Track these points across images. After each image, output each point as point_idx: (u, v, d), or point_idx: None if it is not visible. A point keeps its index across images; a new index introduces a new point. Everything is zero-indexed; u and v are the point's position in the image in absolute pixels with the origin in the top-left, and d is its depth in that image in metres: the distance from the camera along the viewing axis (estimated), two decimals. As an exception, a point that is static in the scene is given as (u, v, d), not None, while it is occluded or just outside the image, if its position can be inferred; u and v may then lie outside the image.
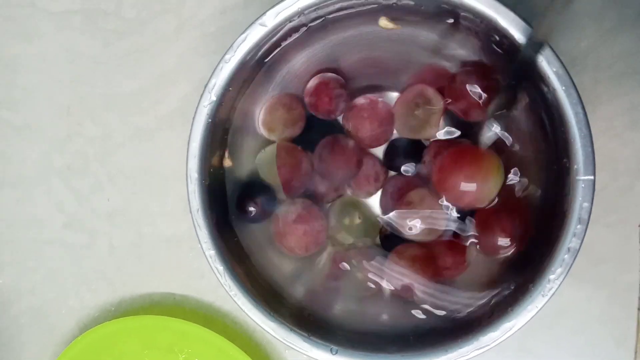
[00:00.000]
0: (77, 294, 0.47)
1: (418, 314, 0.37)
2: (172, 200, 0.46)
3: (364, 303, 0.39)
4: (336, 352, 0.34)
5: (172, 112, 0.45)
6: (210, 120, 0.34)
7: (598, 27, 0.41)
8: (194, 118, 0.34)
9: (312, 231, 0.39)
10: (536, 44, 0.31)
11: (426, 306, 0.37)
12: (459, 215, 0.38)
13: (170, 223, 0.46)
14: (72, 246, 0.47)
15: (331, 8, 0.34)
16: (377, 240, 0.41)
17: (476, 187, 0.36)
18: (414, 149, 0.40)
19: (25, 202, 0.47)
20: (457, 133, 0.39)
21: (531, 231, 0.36)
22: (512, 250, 0.36)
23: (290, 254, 0.39)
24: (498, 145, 0.37)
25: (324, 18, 0.35)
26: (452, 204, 0.37)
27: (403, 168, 0.40)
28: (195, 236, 0.35)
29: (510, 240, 0.36)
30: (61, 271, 0.47)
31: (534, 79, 0.33)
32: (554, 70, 0.31)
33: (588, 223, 0.32)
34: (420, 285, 0.37)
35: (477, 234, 0.38)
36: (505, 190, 0.36)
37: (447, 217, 0.37)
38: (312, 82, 0.39)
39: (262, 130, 0.39)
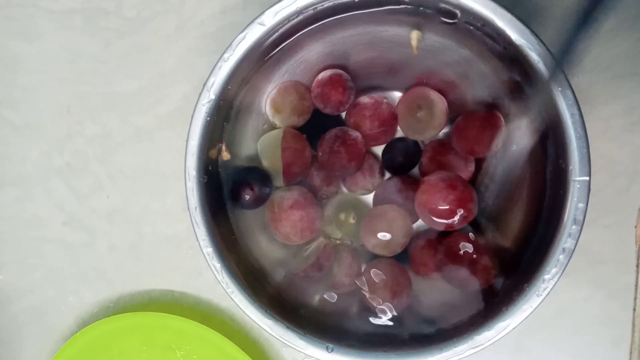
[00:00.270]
0: (76, 292, 0.47)
1: (375, 320, 0.38)
2: (172, 200, 0.46)
3: (344, 298, 0.39)
4: (332, 350, 0.34)
5: (172, 111, 0.46)
6: (208, 118, 0.34)
7: (596, 29, 0.41)
8: (192, 116, 0.34)
9: (308, 217, 0.39)
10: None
11: (384, 319, 0.38)
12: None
13: (170, 222, 0.46)
14: (71, 244, 0.47)
15: (329, 8, 0.34)
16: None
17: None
18: (413, 151, 0.41)
19: (26, 201, 0.47)
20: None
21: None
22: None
23: (285, 241, 0.39)
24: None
25: (324, 18, 0.35)
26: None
27: (400, 169, 0.41)
28: (194, 234, 0.35)
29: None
30: (61, 269, 0.47)
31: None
32: (550, 71, 0.31)
33: (583, 224, 0.32)
34: (385, 300, 0.38)
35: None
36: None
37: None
38: (324, 74, 0.39)
39: (268, 108, 0.39)
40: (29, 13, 0.46)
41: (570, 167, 0.32)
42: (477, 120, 0.38)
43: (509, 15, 0.31)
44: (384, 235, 0.38)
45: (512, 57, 0.33)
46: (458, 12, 0.33)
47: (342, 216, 0.40)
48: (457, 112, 0.39)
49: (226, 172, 0.38)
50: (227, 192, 0.38)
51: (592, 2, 0.28)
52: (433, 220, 0.37)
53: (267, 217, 0.39)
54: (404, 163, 0.41)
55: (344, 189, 0.41)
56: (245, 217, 0.39)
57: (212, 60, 0.35)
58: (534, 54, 0.31)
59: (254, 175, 0.38)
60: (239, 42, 0.33)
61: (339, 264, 0.39)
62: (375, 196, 0.41)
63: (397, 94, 0.41)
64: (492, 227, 0.38)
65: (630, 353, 0.43)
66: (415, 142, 0.41)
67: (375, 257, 0.40)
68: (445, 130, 0.40)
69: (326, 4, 0.34)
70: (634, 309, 0.43)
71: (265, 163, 0.39)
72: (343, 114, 0.41)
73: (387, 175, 0.42)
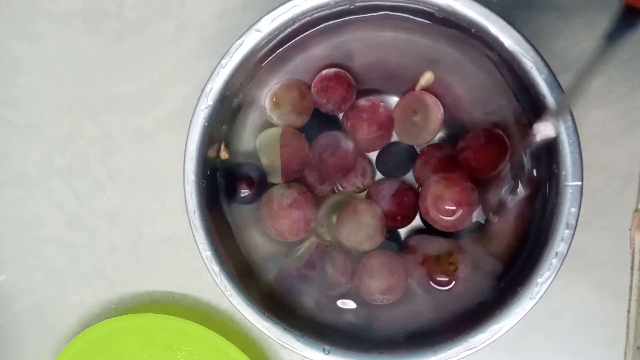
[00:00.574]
0: (77, 292, 0.48)
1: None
2: (171, 200, 0.46)
3: (336, 299, 0.40)
4: (329, 352, 0.35)
5: (172, 113, 0.46)
6: (207, 124, 0.35)
7: (591, 34, 0.42)
8: (191, 121, 0.35)
9: (305, 218, 0.39)
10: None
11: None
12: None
13: (169, 223, 0.47)
14: (72, 245, 0.47)
15: (326, 14, 0.35)
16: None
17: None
18: (406, 155, 0.41)
19: (26, 201, 0.47)
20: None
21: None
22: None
23: (278, 237, 0.39)
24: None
25: (322, 22, 0.36)
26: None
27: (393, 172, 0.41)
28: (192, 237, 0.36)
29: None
30: (61, 269, 0.48)
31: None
32: (543, 77, 0.32)
33: (576, 228, 0.32)
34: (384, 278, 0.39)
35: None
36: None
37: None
38: (328, 70, 0.39)
39: (267, 102, 0.39)
40: (30, 14, 0.46)
41: (563, 172, 0.32)
42: (483, 144, 0.38)
43: (502, 22, 0.32)
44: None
45: (506, 63, 0.33)
46: (452, 18, 0.33)
47: (334, 219, 0.40)
48: (458, 123, 0.40)
49: (223, 171, 0.38)
50: (224, 189, 0.39)
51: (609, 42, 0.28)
52: (440, 217, 0.37)
53: (263, 213, 0.39)
54: (398, 166, 0.41)
55: (338, 187, 0.42)
56: (242, 215, 0.39)
57: (212, 62, 0.35)
58: (528, 61, 0.32)
59: (250, 171, 0.39)
60: (237, 49, 0.34)
61: (332, 264, 0.40)
62: (367, 196, 0.41)
63: (394, 99, 0.41)
64: (484, 230, 0.38)
65: (625, 354, 0.43)
66: (410, 147, 0.41)
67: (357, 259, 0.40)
68: (440, 134, 0.40)
69: (323, 12, 0.34)
70: (629, 311, 0.43)
71: (264, 160, 0.39)
72: (340, 116, 0.41)
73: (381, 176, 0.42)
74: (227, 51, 0.34)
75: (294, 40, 0.36)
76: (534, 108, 0.33)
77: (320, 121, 0.41)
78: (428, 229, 0.40)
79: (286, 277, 0.39)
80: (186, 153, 0.35)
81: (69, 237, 0.47)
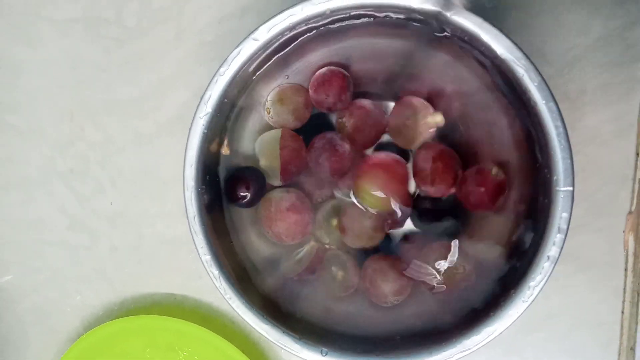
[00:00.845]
0: (79, 293, 0.48)
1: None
2: (171, 203, 0.47)
3: (339, 303, 0.40)
4: (326, 354, 0.35)
5: (171, 117, 0.46)
6: (206, 131, 0.35)
7: (585, 38, 0.42)
8: (190, 128, 0.35)
9: (303, 222, 0.39)
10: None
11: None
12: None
13: (170, 225, 0.47)
14: (74, 247, 0.48)
15: (324, 22, 0.35)
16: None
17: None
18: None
19: (29, 204, 0.48)
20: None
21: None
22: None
23: (275, 239, 0.39)
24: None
25: (319, 29, 0.36)
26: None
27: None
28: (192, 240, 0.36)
29: None
30: (64, 271, 0.48)
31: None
32: (535, 84, 0.32)
33: (567, 232, 0.32)
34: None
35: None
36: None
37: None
38: (321, 70, 0.40)
39: (266, 105, 0.39)
40: (32, 21, 0.46)
41: (555, 177, 0.32)
42: (484, 183, 0.38)
43: (495, 31, 0.32)
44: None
45: (498, 70, 0.33)
46: (446, 27, 0.33)
47: (334, 222, 0.40)
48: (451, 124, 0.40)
49: (223, 175, 0.39)
50: (223, 193, 0.39)
51: None
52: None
53: (261, 215, 0.40)
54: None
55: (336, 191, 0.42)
56: (242, 219, 0.40)
57: (211, 68, 0.35)
58: (520, 69, 0.32)
59: (249, 175, 0.39)
60: (234, 57, 0.34)
61: (343, 267, 0.40)
62: None
63: (390, 104, 0.41)
64: (478, 233, 0.39)
65: (619, 355, 0.44)
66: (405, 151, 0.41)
67: (365, 254, 0.41)
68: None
69: (320, 21, 0.35)
70: (622, 312, 0.43)
71: (263, 161, 0.40)
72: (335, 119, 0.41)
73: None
74: (225, 60, 0.34)
75: (290, 47, 0.36)
76: (529, 115, 0.34)
77: (315, 124, 0.41)
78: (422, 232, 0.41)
79: (286, 280, 0.40)
80: (186, 160, 0.35)
81: (71, 239, 0.48)
